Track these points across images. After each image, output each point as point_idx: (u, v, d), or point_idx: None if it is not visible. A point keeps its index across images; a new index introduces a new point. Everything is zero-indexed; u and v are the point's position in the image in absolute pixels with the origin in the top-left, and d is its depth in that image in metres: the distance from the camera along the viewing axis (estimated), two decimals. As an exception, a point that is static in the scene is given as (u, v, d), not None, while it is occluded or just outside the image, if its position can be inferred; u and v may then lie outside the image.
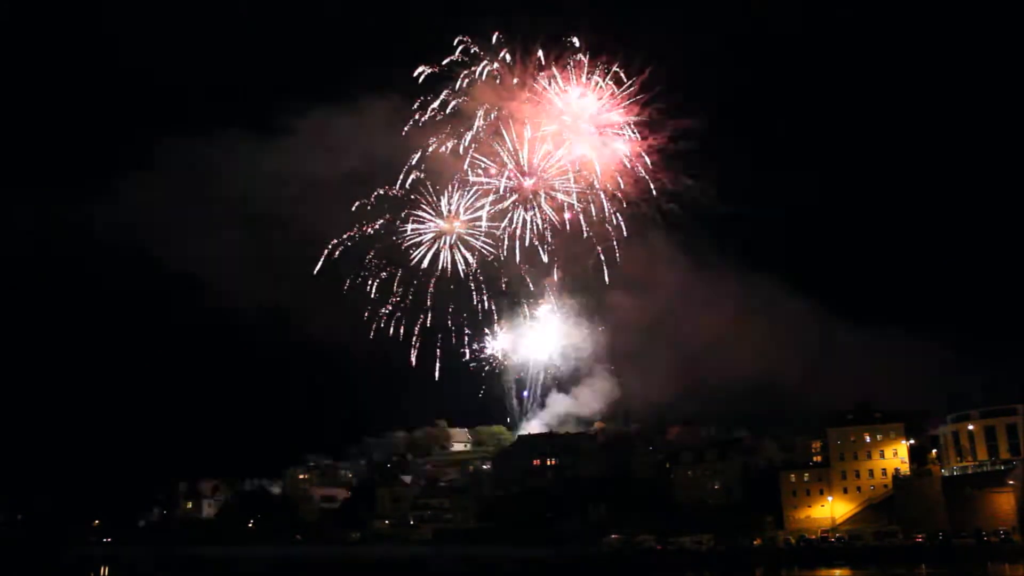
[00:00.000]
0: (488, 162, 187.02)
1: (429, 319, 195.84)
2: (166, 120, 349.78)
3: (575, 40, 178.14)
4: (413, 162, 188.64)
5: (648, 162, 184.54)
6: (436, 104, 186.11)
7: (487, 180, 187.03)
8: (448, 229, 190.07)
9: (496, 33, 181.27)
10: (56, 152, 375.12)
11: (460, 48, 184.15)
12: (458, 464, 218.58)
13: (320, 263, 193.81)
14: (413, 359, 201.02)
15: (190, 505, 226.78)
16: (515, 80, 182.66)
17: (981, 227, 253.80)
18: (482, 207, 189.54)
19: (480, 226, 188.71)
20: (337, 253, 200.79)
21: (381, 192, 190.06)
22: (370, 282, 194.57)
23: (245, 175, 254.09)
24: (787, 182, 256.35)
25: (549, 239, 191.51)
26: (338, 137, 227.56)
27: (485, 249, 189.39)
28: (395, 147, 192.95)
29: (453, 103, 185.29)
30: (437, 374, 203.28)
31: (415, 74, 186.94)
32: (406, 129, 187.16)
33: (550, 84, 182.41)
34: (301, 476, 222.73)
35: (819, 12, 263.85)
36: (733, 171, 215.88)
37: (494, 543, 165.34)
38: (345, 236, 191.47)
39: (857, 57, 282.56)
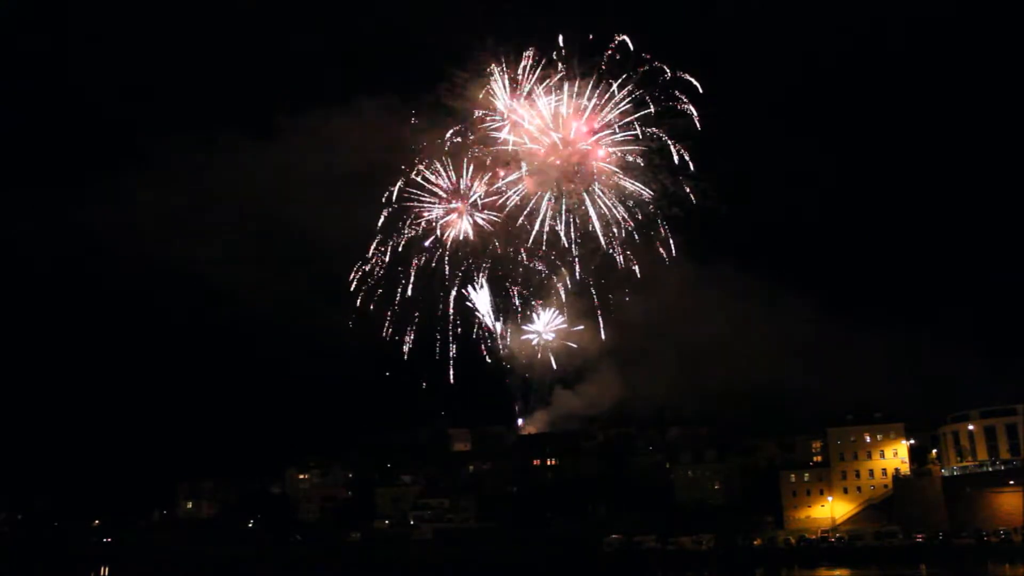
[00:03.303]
0: (491, 161, 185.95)
1: (434, 318, 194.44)
2: (165, 121, 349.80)
3: (563, 41, 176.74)
4: (416, 160, 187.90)
5: (650, 163, 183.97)
6: (436, 112, 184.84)
7: (490, 181, 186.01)
8: (453, 225, 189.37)
9: (491, 38, 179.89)
10: (56, 153, 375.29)
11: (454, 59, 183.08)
12: (458, 464, 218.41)
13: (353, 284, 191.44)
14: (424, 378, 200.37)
15: (190, 505, 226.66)
16: (512, 82, 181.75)
17: (981, 228, 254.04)
18: (485, 208, 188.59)
19: (485, 227, 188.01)
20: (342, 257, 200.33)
21: (384, 190, 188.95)
22: (373, 282, 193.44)
23: (244, 175, 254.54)
24: (789, 183, 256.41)
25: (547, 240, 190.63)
26: (335, 137, 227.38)
27: (491, 249, 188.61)
28: (393, 147, 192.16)
29: (452, 107, 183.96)
30: (451, 377, 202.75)
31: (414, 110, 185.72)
32: (418, 142, 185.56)
33: (547, 84, 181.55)
34: (301, 476, 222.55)
35: (822, 15, 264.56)
36: (735, 172, 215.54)
37: (494, 543, 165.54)
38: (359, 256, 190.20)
39: (858, 58, 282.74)
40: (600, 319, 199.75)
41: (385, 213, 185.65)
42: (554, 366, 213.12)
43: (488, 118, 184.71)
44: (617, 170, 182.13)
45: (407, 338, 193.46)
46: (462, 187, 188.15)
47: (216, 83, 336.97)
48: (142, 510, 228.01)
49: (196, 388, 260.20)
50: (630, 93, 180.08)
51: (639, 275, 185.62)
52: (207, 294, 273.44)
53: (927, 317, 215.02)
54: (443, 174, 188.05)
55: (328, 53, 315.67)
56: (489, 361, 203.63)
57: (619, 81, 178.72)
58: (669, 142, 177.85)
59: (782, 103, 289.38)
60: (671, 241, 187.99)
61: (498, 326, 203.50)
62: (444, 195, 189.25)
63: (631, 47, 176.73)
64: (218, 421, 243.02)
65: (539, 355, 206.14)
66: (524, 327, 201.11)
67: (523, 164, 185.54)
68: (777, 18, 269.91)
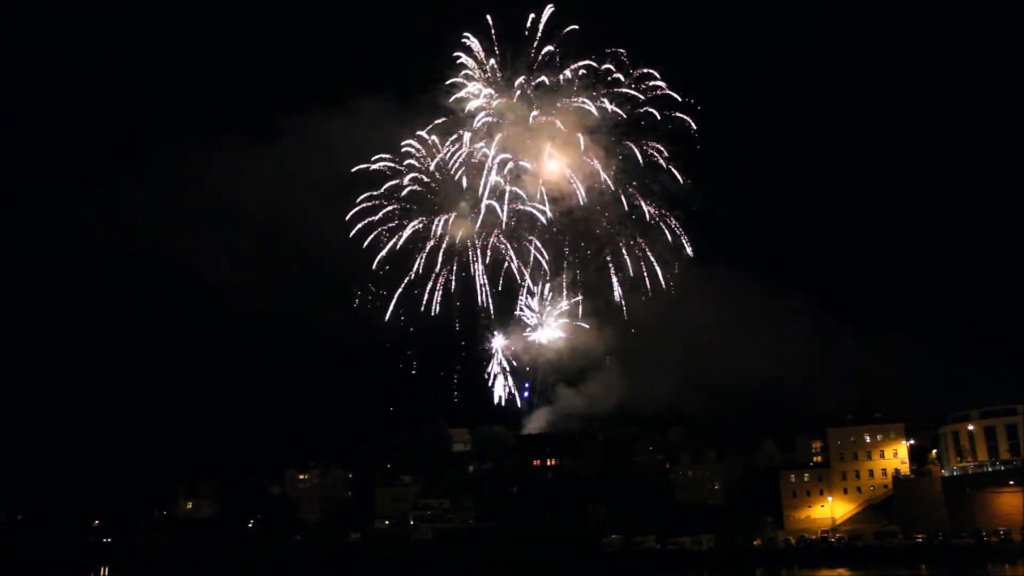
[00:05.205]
0: (490, 163, 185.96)
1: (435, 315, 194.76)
2: (165, 122, 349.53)
3: (562, 42, 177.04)
4: (417, 163, 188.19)
5: (650, 164, 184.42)
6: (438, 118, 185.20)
7: (492, 180, 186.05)
8: (456, 230, 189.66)
9: (486, 37, 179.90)
10: (55, 154, 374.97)
11: (455, 59, 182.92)
12: (458, 464, 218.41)
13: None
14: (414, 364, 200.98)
15: (190, 505, 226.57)
16: (510, 83, 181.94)
17: (981, 228, 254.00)
18: (488, 209, 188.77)
19: (487, 227, 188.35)
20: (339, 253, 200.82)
21: (384, 195, 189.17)
22: (373, 281, 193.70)
23: (244, 175, 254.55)
24: (790, 184, 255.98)
25: (553, 240, 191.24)
26: (335, 138, 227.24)
27: (493, 249, 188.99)
28: (392, 148, 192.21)
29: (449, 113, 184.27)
30: (455, 393, 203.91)
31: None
32: (420, 131, 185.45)
33: (544, 86, 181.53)
34: (301, 476, 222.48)
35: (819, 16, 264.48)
36: (735, 173, 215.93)
37: (494, 543, 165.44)
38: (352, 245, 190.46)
39: (857, 60, 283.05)
40: (601, 320, 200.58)
41: (387, 226, 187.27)
42: (557, 361, 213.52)
43: (486, 120, 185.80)
44: (616, 175, 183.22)
45: (414, 364, 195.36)
46: (462, 191, 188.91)
47: (216, 84, 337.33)
48: (142, 510, 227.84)
49: (196, 388, 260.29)
50: (629, 101, 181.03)
51: (641, 277, 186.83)
52: (207, 294, 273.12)
53: (927, 317, 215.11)
54: (443, 178, 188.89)
55: (328, 53, 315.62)
56: (496, 387, 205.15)
57: (618, 89, 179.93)
58: (665, 159, 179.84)
59: (781, 104, 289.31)
60: (672, 243, 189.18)
61: (499, 336, 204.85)
62: (443, 198, 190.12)
63: (626, 60, 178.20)
64: (218, 421, 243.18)
65: (539, 347, 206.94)
66: (526, 306, 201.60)
67: (521, 168, 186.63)
68: (774, 18, 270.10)
